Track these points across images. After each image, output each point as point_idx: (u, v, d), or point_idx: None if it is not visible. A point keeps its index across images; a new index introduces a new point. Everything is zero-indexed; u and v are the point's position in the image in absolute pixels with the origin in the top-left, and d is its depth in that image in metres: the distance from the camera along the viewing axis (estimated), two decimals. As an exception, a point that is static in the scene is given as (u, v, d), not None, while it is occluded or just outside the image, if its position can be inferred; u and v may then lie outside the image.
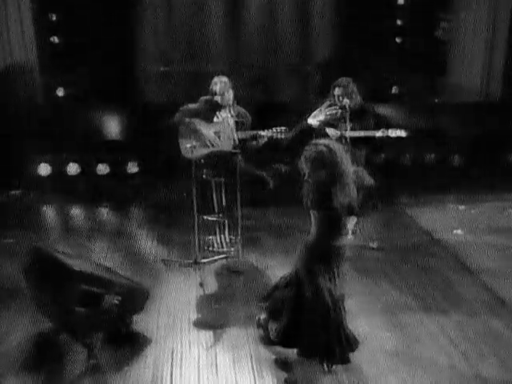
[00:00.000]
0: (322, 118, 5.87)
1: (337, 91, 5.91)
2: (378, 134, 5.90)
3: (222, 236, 6.15)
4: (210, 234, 6.14)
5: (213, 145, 5.71)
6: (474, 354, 4.20)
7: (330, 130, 5.89)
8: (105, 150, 8.66)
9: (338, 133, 5.88)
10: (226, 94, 5.78)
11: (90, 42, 8.68)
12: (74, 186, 8.31)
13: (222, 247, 6.06)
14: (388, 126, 5.96)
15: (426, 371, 4.00)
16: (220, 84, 5.78)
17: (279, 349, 4.15)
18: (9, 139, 8.12)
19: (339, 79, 5.96)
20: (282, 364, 4.09)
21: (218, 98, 5.79)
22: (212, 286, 5.39)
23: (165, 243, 6.38)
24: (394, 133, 5.88)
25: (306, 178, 3.83)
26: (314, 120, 5.87)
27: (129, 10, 8.94)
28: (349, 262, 5.78)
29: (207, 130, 5.73)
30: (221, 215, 6.10)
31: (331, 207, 3.78)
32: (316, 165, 3.77)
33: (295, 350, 4.03)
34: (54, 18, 8.90)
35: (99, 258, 5.83)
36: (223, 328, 4.58)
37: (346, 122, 5.84)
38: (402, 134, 5.88)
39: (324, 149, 3.77)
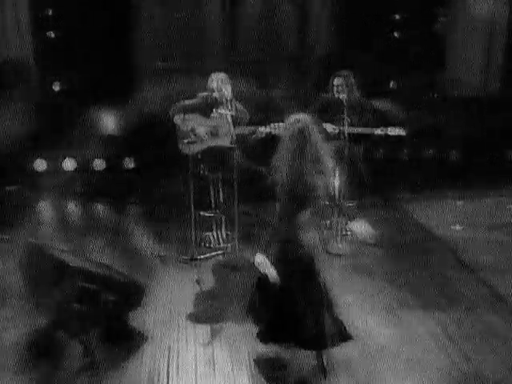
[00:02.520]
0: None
1: (336, 81, 5.90)
2: (377, 131, 5.88)
3: (219, 232, 6.13)
4: (206, 230, 6.14)
5: (204, 140, 5.68)
6: (472, 350, 4.18)
7: (327, 126, 5.87)
8: (101, 146, 8.62)
9: (336, 129, 5.86)
10: (223, 90, 5.75)
11: (87, 36, 8.64)
12: (70, 182, 8.28)
13: (219, 243, 6.05)
14: (386, 122, 5.94)
15: (425, 369, 3.98)
16: (217, 80, 5.77)
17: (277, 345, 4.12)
18: (4, 134, 8.06)
19: (340, 70, 5.94)
20: (279, 360, 4.06)
21: (215, 94, 5.77)
22: (209, 282, 5.36)
23: (161, 239, 6.35)
24: (393, 131, 5.86)
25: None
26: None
27: (126, 4, 8.90)
28: (346, 258, 5.84)
29: (202, 126, 5.69)
30: (218, 211, 6.09)
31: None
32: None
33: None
34: (51, 13, 8.86)
35: (95, 254, 5.81)
36: (220, 324, 4.56)
37: (343, 118, 5.81)
38: (401, 132, 5.86)
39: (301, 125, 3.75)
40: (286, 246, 3.80)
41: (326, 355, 3.93)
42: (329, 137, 5.81)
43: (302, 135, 3.71)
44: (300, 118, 3.79)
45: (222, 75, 5.82)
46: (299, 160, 3.69)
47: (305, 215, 3.78)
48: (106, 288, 4.24)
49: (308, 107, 5.94)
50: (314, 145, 3.73)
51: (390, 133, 5.86)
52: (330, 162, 3.82)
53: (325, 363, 3.92)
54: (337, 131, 5.84)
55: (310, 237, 3.82)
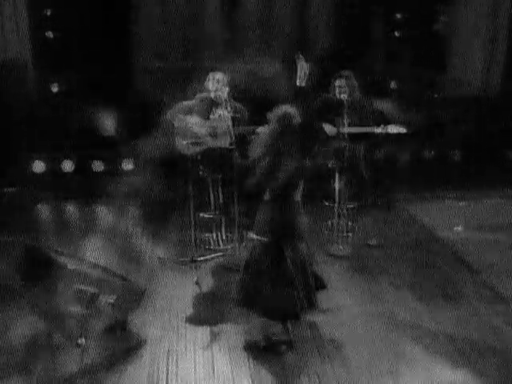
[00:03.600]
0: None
1: (338, 82, 5.85)
2: (377, 130, 5.82)
3: (219, 233, 6.10)
4: (206, 232, 6.10)
5: (205, 142, 5.63)
6: (474, 352, 4.16)
7: (326, 126, 5.84)
8: (100, 147, 8.59)
9: (335, 129, 5.82)
10: (218, 90, 5.69)
11: (85, 37, 8.60)
12: (68, 184, 8.25)
13: (219, 245, 6.02)
14: (386, 122, 5.88)
15: (426, 370, 3.96)
16: (213, 81, 5.71)
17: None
18: (2, 136, 8.04)
19: (341, 71, 5.90)
20: (280, 363, 4.04)
21: (211, 95, 5.72)
22: (208, 284, 5.34)
23: (160, 241, 6.32)
24: (394, 129, 5.80)
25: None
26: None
27: (124, 4, 8.86)
28: (347, 259, 5.82)
29: (200, 127, 5.64)
30: (217, 212, 6.05)
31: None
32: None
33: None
34: (49, 13, 8.82)
35: (94, 256, 5.76)
36: (220, 327, 4.53)
37: (343, 118, 5.77)
38: (402, 130, 5.80)
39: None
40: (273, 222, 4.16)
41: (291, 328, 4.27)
42: (327, 136, 5.82)
43: (283, 121, 4.11)
44: (285, 109, 4.17)
45: (218, 75, 5.75)
46: (277, 143, 4.10)
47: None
48: (104, 290, 4.20)
49: (307, 105, 5.93)
50: (292, 132, 4.12)
51: (390, 131, 5.80)
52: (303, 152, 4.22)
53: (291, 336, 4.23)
54: (335, 132, 5.81)
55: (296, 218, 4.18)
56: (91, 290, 4.13)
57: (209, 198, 6.04)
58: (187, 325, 4.59)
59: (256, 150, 4.24)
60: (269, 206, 4.19)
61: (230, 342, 4.32)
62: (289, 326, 4.28)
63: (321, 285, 4.41)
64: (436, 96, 9.65)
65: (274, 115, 4.18)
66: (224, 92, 5.70)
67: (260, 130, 5.52)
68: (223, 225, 6.08)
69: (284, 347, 4.20)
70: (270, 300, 4.13)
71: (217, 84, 5.69)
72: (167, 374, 3.95)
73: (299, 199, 4.21)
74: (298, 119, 4.14)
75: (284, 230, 4.15)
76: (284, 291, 4.10)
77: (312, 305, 4.25)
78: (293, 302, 4.11)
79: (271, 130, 4.17)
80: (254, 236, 4.26)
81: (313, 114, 5.72)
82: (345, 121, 5.77)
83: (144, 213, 7.45)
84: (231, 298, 4.77)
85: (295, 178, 4.10)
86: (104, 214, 7.56)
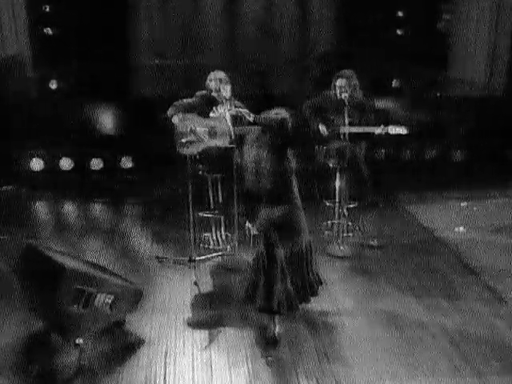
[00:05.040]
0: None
1: (339, 82, 5.80)
2: (378, 130, 5.77)
3: (218, 233, 6.08)
4: (205, 231, 6.07)
5: (204, 140, 5.58)
6: (475, 354, 4.13)
7: (321, 126, 5.81)
8: (99, 145, 8.56)
9: (326, 132, 5.80)
10: (221, 90, 5.65)
11: (84, 34, 8.58)
12: (67, 182, 8.22)
13: (218, 244, 5.99)
14: (388, 121, 5.84)
15: (427, 373, 3.94)
16: (215, 81, 5.67)
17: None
18: (0, 133, 8.01)
19: (342, 70, 5.85)
20: (278, 364, 4.02)
21: (214, 94, 5.69)
22: (207, 284, 5.31)
23: (159, 240, 6.29)
24: (394, 129, 5.75)
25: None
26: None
27: (124, 2, 8.86)
28: (347, 260, 5.79)
29: (200, 126, 5.60)
30: (217, 212, 6.02)
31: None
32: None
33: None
34: (48, 10, 8.81)
35: (92, 255, 5.74)
36: (218, 328, 4.51)
37: (344, 117, 5.73)
38: (403, 130, 5.75)
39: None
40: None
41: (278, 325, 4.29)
42: (322, 136, 5.80)
43: (280, 125, 4.22)
44: (279, 112, 4.28)
45: (220, 74, 5.71)
46: (261, 144, 4.23)
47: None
48: (102, 290, 4.18)
49: (307, 101, 5.92)
50: (280, 135, 4.21)
51: (390, 131, 5.75)
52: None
53: (276, 332, 4.26)
54: (326, 134, 5.78)
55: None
56: (89, 289, 4.10)
57: (208, 197, 6.01)
58: (185, 325, 4.56)
59: (246, 150, 4.34)
60: (267, 205, 4.21)
61: (229, 342, 4.30)
62: (276, 320, 4.29)
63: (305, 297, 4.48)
64: (438, 95, 9.63)
65: (263, 117, 4.34)
66: (227, 90, 5.67)
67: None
68: (222, 224, 6.06)
69: (272, 345, 4.20)
70: (261, 294, 4.21)
71: (219, 83, 5.65)
72: (165, 374, 3.93)
73: (297, 197, 4.25)
74: (288, 122, 4.25)
75: (280, 227, 4.19)
76: (270, 286, 4.17)
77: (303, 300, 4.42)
78: (275, 296, 4.16)
79: (258, 131, 4.31)
80: (250, 225, 4.42)
81: (302, 117, 5.73)
82: (346, 120, 5.72)
83: (143, 211, 7.43)
84: (231, 298, 4.78)
85: (283, 178, 4.17)
86: (102, 212, 7.54)
